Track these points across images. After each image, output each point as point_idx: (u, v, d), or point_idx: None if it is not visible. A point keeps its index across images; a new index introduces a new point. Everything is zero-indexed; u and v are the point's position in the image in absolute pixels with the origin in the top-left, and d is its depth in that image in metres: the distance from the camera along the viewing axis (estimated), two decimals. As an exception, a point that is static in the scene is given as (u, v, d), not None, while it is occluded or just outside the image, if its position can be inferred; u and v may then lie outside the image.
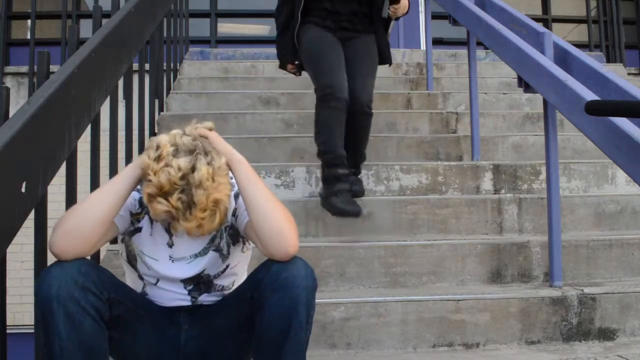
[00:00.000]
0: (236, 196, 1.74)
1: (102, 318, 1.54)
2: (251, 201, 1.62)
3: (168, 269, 1.73)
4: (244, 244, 1.81)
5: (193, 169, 1.54)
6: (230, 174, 1.67)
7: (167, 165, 1.53)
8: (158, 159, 1.55)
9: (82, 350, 1.49)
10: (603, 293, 2.30)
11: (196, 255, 1.75)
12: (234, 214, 1.75)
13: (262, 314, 1.56)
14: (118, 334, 1.63)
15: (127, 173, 1.63)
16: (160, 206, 1.54)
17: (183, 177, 1.53)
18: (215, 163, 1.58)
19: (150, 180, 1.54)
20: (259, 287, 1.58)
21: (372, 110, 2.82)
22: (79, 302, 1.48)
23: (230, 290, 1.80)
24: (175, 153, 1.56)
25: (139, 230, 1.74)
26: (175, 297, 1.75)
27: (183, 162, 1.54)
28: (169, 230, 1.73)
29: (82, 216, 1.57)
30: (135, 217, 1.74)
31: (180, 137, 1.60)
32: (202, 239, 1.74)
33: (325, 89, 2.73)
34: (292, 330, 1.54)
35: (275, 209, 1.61)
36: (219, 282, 1.78)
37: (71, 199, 2.02)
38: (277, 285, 1.54)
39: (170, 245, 1.74)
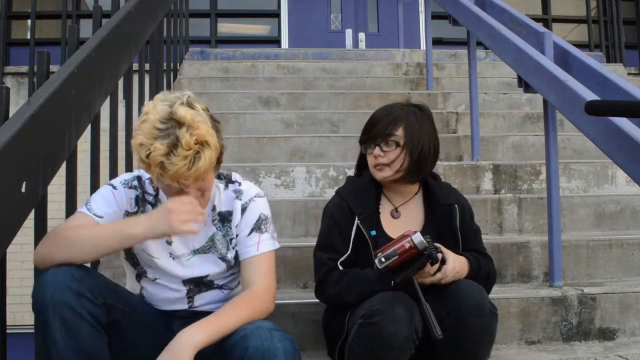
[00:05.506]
0: (243, 210, 1.76)
1: (99, 323, 1.54)
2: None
3: (169, 266, 1.73)
4: None
5: (172, 113, 1.54)
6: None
7: (148, 113, 1.56)
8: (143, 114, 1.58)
9: (80, 356, 1.49)
10: (603, 293, 2.30)
11: (195, 252, 1.75)
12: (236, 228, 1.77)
13: None
14: (114, 338, 1.62)
15: (132, 231, 1.58)
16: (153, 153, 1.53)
17: (163, 121, 1.53)
18: (196, 106, 1.58)
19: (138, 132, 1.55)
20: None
21: None
22: (74, 309, 1.48)
23: (230, 289, 1.80)
24: (157, 104, 1.57)
25: None
26: (173, 295, 1.76)
27: (161, 106, 1.55)
28: None
29: (75, 248, 1.56)
30: (131, 217, 1.74)
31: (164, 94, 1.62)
32: (200, 236, 1.74)
33: None
34: None
35: (248, 314, 1.59)
36: (220, 282, 1.79)
37: (71, 199, 2.02)
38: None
39: (170, 243, 1.74)
